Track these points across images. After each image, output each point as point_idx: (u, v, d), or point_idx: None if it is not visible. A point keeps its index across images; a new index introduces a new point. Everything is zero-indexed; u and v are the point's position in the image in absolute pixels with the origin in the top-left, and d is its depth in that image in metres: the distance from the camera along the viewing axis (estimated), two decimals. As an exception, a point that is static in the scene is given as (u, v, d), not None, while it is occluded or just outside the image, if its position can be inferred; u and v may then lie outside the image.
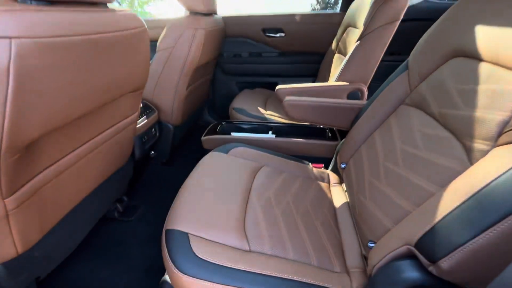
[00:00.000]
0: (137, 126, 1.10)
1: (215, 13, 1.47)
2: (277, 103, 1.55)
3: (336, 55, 1.42)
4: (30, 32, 0.44)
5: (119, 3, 2.04)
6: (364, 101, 0.88)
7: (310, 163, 0.99)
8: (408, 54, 0.76)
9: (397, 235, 0.50)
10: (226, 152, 0.94)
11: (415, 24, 1.41)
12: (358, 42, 1.08)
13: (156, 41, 1.25)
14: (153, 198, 1.34)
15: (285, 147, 1.07)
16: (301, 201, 0.79)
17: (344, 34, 1.38)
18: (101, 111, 0.73)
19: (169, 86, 1.27)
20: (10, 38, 0.41)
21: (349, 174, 0.83)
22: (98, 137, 0.77)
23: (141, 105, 1.14)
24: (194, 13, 1.28)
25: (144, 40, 0.76)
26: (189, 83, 1.35)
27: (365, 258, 0.64)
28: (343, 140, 0.95)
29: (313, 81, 1.80)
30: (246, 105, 1.43)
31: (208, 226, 0.63)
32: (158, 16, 1.84)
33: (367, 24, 1.05)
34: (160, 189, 1.41)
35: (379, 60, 1.09)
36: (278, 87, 1.17)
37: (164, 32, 1.22)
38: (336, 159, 0.95)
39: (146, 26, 0.76)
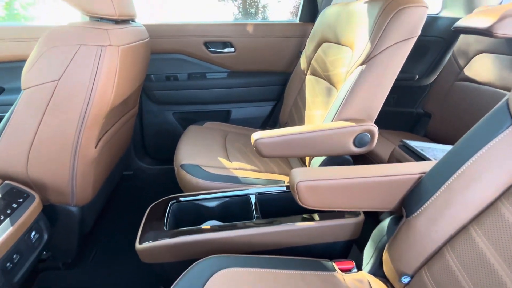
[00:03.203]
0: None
1: (133, 20, 0.95)
2: (240, 142, 1.12)
3: (311, 78, 1.10)
4: None
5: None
6: (424, 167, 0.54)
7: (334, 263, 0.61)
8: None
9: None
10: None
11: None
12: (364, 66, 0.77)
13: (23, 62, 0.66)
14: None
15: (289, 237, 0.66)
16: None
17: (320, 52, 1.07)
18: None
19: (59, 149, 0.70)
20: None
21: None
22: None
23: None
24: (96, 19, 0.75)
25: None
26: (100, 135, 0.80)
27: None
28: (383, 224, 0.60)
29: (276, 106, 1.45)
30: (199, 156, 0.96)
31: None
32: (47, 23, 1.22)
33: (376, 42, 0.74)
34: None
35: (389, 89, 0.79)
36: (255, 137, 0.76)
37: (35, 52, 0.64)
38: (379, 259, 0.59)
39: None
